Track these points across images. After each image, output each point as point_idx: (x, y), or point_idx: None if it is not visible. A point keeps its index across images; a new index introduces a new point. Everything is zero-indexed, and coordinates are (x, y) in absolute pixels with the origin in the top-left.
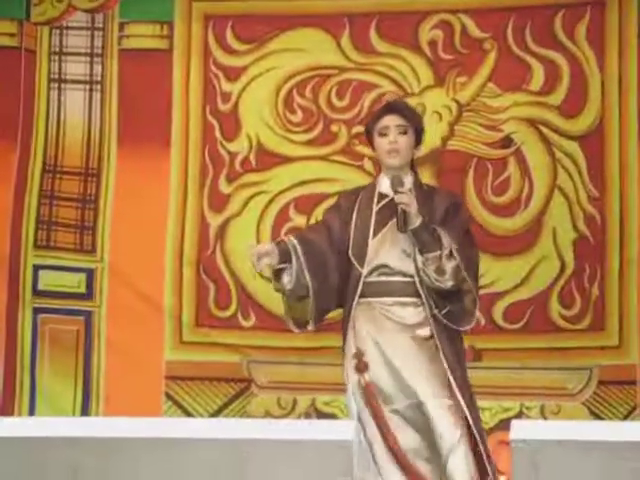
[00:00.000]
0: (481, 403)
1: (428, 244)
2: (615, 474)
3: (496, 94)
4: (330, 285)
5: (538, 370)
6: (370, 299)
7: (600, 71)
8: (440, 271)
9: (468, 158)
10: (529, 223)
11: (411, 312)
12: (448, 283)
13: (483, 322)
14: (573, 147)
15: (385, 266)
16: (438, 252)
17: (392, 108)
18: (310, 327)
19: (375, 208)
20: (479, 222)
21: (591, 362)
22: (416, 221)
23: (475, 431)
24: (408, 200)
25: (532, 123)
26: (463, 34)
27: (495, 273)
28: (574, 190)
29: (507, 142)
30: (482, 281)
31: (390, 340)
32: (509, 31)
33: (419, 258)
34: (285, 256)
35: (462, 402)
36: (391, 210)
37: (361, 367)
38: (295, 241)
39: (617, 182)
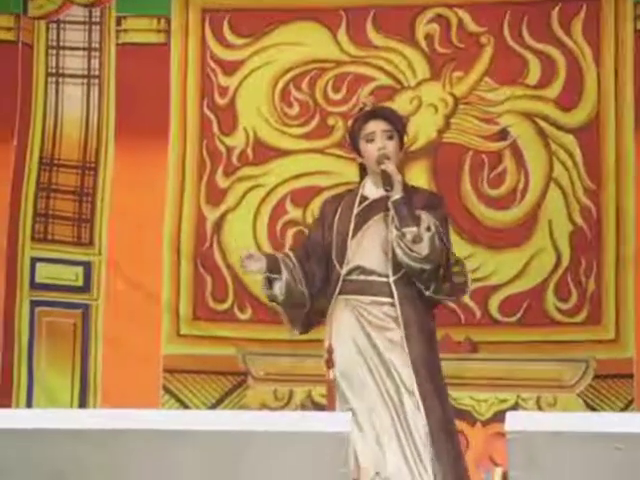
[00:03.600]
0: (477, 395)
1: (406, 219)
2: (612, 465)
3: (492, 88)
4: (320, 291)
5: (534, 362)
6: (348, 296)
7: (596, 65)
8: (418, 238)
9: (464, 151)
10: (525, 216)
11: (387, 312)
12: (424, 251)
13: (479, 315)
14: (569, 140)
15: (360, 267)
16: (415, 228)
17: (376, 113)
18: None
19: (355, 210)
20: (475, 215)
21: (587, 354)
22: (398, 192)
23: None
24: (393, 170)
25: (528, 116)
26: (459, 28)
27: (491, 266)
28: (570, 183)
29: (503, 135)
30: (478, 274)
31: (364, 338)
32: (505, 25)
33: (395, 233)
34: (274, 265)
35: (422, 404)
36: (371, 211)
37: (329, 363)
38: (284, 254)
39: (613, 175)
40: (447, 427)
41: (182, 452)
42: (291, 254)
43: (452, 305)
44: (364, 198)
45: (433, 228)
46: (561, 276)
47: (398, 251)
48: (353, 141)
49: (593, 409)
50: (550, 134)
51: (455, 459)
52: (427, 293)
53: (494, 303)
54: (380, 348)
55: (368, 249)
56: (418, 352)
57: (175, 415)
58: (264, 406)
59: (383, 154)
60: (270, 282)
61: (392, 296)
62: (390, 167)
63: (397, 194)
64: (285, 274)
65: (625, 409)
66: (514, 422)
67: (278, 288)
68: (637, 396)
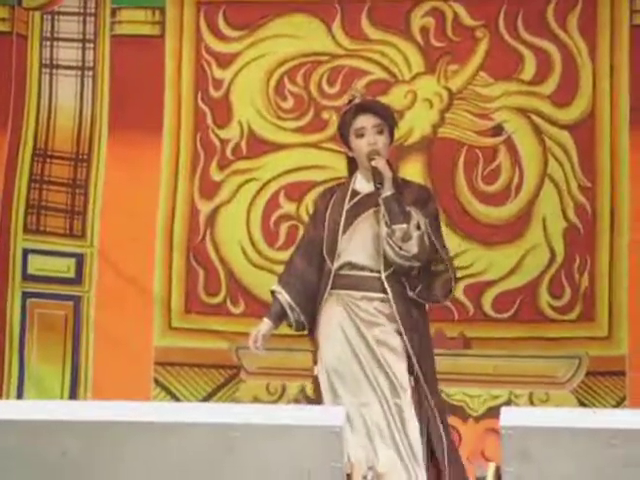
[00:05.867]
0: (470, 391)
1: (397, 216)
2: (605, 461)
3: (487, 83)
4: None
5: (527, 358)
6: (340, 291)
7: (592, 61)
8: (407, 236)
9: (459, 146)
10: (519, 212)
11: (377, 307)
12: (413, 249)
13: (472, 311)
14: (564, 136)
15: (351, 263)
16: (405, 225)
17: (365, 107)
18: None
19: (347, 206)
20: (469, 210)
21: (580, 351)
22: (388, 189)
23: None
24: (383, 166)
25: (523, 112)
26: (455, 22)
27: (485, 262)
28: (565, 179)
29: (498, 131)
30: (471, 270)
31: (355, 333)
32: (501, 19)
33: (385, 230)
34: (281, 314)
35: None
36: (362, 207)
37: (315, 359)
38: (285, 295)
39: (608, 172)
40: (442, 422)
41: (174, 444)
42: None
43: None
44: (355, 193)
45: (423, 226)
46: (555, 273)
47: (387, 249)
48: (342, 135)
49: (585, 406)
50: (545, 130)
51: (450, 453)
52: (410, 294)
53: (488, 299)
54: (371, 343)
55: (359, 245)
56: (412, 347)
57: (167, 407)
58: (256, 400)
59: (374, 150)
60: (281, 319)
61: (383, 292)
62: (380, 163)
63: (388, 191)
64: (292, 316)
65: (617, 406)
66: (508, 418)
67: (294, 321)
68: (629, 393)
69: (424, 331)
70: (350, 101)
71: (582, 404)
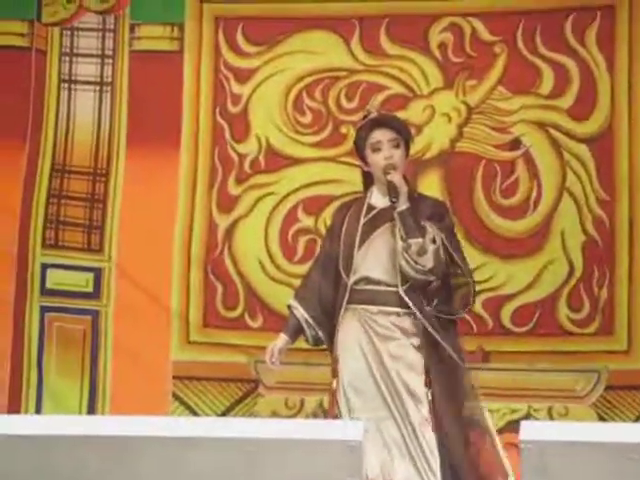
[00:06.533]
0: (489, 405)
1: (412, 230)
2: (625, 475)
3: (506, 97)
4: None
5: (546, 372)
6: (356, 306)
7: (610, 75)
8: (422, 250)
9: (477, 160)
10: (537, 226)
11: (394, 321)
12: (429, 263)
13: (491, 324)
14: (582, 150)
15: (367, 277)
16: (421, 239)
17: (381, 122)
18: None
19: (362, 220)
20: (487, 224)
21: (599, 365)
22: (404, 203)
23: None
24: (399, 181)
25: (541, 126)
26: (473, 37)
27: (503, 275)
28: (583, 193)
29: (516, 144)
30: (490, 283)
31: (372, 348)
32: (519, 35)
33: (400, 244)
34: (297, 328)
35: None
36: (378, 221)
37: (334, 373)
38: (301, 310)
39: (626, 185)
40: (464, 435)
41: (192, 459)
42: (297, 304)
43: (465, 315)
44: (371, 207)
45: (438, 240)
46: (573, 286)
47: (403, 263)
48: (358, 149)
49: (604, 420)
50: (563, 144)
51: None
52: (427, 309)
53: (506, 313)
54: (385, 358)
55: (375, 259)
56: (432, 361)
57: (185, 422)
58: (275, 415)
59: (390, 164)
60: (298, 334)
61: (400, 306)
62: (396, 177)
63: (403, 205)
64: (308, 331)
65: (636, 421)
66: (528, 432)
67: (310, 336)
68: None
69: (449, 344)
70: (365, 116)
71: (601, 418)
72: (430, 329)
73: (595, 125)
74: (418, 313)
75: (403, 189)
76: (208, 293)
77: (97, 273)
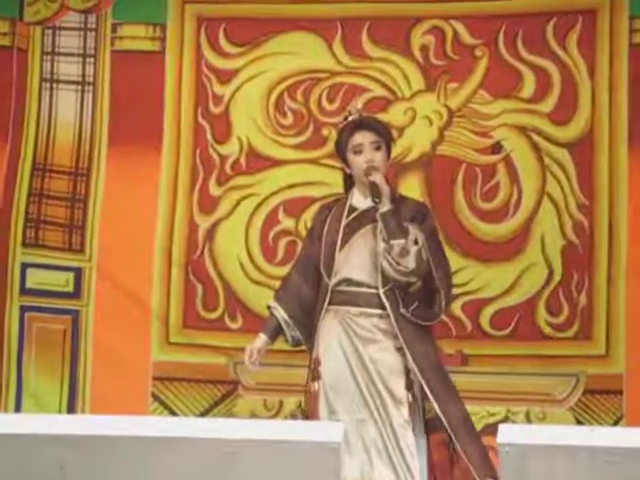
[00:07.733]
0: (467, 408)
1: (394, 231)
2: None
3: (487, 101)
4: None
5: (524, 375)
6: (338, 307)
7: (591, 79)
8: (404, 252)
9: (457, 164)
10: (517, 230)
11: (376, 323)
12: (411, 265)
13: (470, 328)
14: (563, 154)
15: (349, 279)
16: (403, 240)
17: (363, 124)
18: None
19: (344, 222)
20: (467, 228)
21: (577, 369)
22: (386, 205)
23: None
24: (381, 182)
25: (522, 130)
26: (455, 40)
27: (482, 279)
28: (563, 197)
29: (497, 148)
30: (469, 287)
31: (352, 350)
32: (501, 38)
33: (382, 245)
34: (277, 329)
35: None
36: (360, 223)
37: (314, 375)
38: (280, 310)
39: (606, 190)
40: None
41: (171, 459)
42: (276, 304)
43: (444, 317)
44: (352, 209)
45: (420, 242)
46: (552, 290)
47: (385, 264)
48: (339, 152)
49: (582, 424)
50: (544, 148)
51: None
52: (402, 311)
53: (486, 316)
54: (366, 361)
55: (357, 261)
56: (419, 358)
57: (165, 422)
58: (254, 415)
59: (371, 166)
60: (277, 334)
61: (381, 308)
62: (378, 178)
63: (385, 206)
64: (288, 331)
65: (614, 425)
66: (506, 435)
67: (290, 337)
68: (626, 412)
69: (428, 346)
70: (346, 118)
71: (579, 422)
72: (398, 334)
73: (576, 130)
74: (392, 315)
75: (385, 190)
76: (188, 294)
77: (77, 273)
